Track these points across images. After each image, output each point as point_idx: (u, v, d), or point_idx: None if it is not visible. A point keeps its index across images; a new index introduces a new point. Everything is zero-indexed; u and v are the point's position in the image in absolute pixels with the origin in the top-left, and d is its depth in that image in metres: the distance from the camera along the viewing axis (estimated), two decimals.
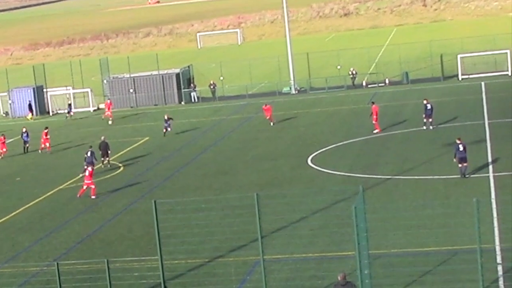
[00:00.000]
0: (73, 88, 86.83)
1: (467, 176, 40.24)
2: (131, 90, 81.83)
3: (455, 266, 27.82)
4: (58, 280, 26.64)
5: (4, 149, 59.36)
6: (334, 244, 31.85)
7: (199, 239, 33.53)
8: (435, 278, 27.26)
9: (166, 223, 30.53)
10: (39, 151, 59.83)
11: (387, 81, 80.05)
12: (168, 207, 37.49)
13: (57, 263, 27.03)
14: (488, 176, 40.24)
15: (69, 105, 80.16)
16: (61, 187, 47.96)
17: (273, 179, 44.47)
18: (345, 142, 52.96)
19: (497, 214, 32.29)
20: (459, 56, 79.08)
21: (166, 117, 62.27)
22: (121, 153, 56.68)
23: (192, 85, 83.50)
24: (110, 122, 72.27)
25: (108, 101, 76.41)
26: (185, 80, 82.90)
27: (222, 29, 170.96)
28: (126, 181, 47.64)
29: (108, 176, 49.52)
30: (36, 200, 45.06)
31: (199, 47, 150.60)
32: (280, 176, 45.17)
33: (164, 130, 61.86)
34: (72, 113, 78.84)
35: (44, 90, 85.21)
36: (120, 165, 52.67)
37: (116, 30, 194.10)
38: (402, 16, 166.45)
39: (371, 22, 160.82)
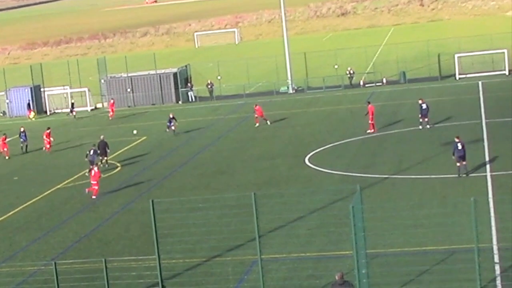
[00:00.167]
0: (71, 88, 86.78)
1: (464, 175, 40.26)
2: (129, 90, 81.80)
3: (453, 265, 27.84)
4: (55, 280, 26.62)
5: (5, 149, 59.15)
6: (331, 244, 31.86)
7: (196, 238, 33.54)
8: (432, 278, 27.28)
9: (163, 223, 30.53)
10: (46, 151, 59.47)
11: (384, 81, 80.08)
12: (165, 206, 37.47)
13: (55, 263, 27.01)
14: (486, 176, 40.28)
15: (72, 104, 79.83)
16: (58, 186, 47.95)
17: (271, 179, 44.48)
18: (342, 142, 52.98)
19: (495, 214, 32.34)
20: (456, 55, 79.10)
21: (171, 116, 61.95)
22: (119, 152, 56.67)
23: (189, 84, 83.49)
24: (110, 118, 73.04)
25: (112, 100, 76.39)
26: (182, 80, 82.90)
27: (219, 28, 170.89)
28: (123, 180, 47.63)
29: (106, 175, 49.46)
30: (34, 200, 45.04)
31: (196, 46, 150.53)
32: (278, 175, 45.18)
33: (167, 130, 61.67)
34: (75, 112, 78.69)
35: (42, 89, 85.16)
36: (118, 164, 52.66)
37: (114, 30, 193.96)
38: (400, 16, 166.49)
39: (369, 21, 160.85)
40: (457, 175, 40.37)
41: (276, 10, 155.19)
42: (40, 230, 38.61)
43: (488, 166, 42.04)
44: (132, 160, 53.83)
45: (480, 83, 72.79)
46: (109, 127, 69.68)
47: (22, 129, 61.43)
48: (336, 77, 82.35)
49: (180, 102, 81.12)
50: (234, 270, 29.91)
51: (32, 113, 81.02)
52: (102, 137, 53.12)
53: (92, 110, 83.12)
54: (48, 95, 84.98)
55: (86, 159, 49.49)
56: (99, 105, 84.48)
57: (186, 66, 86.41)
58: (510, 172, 40.27)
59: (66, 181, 49.04)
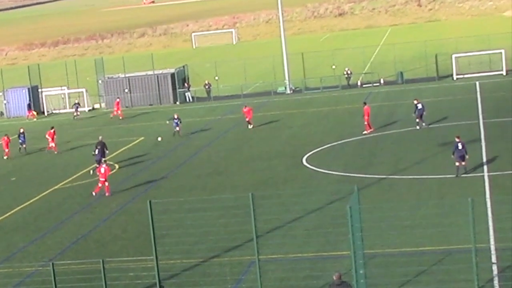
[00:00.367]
0: (68, 88, 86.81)
1: (463, 175, 40.28)
2: (126, 90, 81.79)
3: (450, 265, 27.86)
4: (53, 281, 26.61)
5: (7, 150, 58.98)
6: (329, 244, 31.89)
7: (194, 239, 33.55)
8: (430, 278, 27.30)
9: (161, 223, 30.49)
10: (54, 152, 59.33)
11: (381, 81, 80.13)
12: (163, 207, 37.46)
13: (52, 263, 27.00)
14: (483, 176, 40.31)
15: (77, 104, 79.53)
16: (56, 187, 47.93)
17: (268, 179, 44.49)
18: (340, 142, 53.00)
19: (492, 214, 32.38)
20: (453, 55, 79.15)
21: (175, 116, 61.10)
22: (117, 153, 56.65)
23: (186, 85, 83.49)
24: (111, 117, 73.33)
25: (118, 99, 76.35)
26: (180, 80, 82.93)
27: (217, 29, 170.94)
28: (121, 181, 47.61)
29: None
30: (31, 200, 45.02)
31: (194, 47, 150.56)
32: (275, 176, 45.19)
33: (175, 131, 60.78)
34: (79, 113, 78.51)
35: (39, 90, 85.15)
36: (116, 165, 52.65)
37: (111, 30, 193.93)
38: (397, 16, 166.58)
39: (366, 22, 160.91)
40: (455, 175, 40.38)
41: (273, 10, 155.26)
42: (37, 231, 38.59)
43: (485, 167, 42.06)
44: (130, 160, 53.81)
45: (477, 83, 72.83)
46: (107, 128, 69.65)
47: (21, 130, 61.34)
48: (333, 77, 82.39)
49: (177, 103, 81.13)
50: (231, 271, 29.92)
51: (35, 113, 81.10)
52: (100, 138, 53.09)
53: (89, 110, 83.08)
54: (45, 95, 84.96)
55: (94, 153, 49.81)
56: (96, 106, 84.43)
57: (183, 66, 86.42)
58: (508, 172, 40.31)
59: (64, 182, 49.02)
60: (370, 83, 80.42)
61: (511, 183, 38.07)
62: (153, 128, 66.45)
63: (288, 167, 47.04)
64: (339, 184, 40.94)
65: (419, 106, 54.83)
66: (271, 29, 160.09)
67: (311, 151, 50.85)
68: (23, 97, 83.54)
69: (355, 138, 53.73)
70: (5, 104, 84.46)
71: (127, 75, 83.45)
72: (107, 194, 43.80)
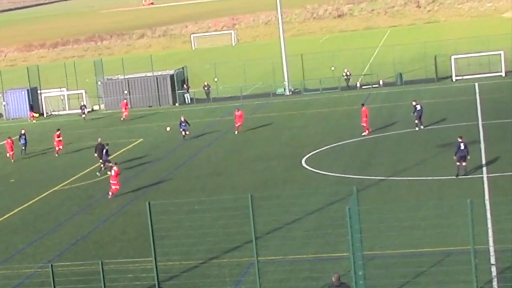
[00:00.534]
0: (67, 90, 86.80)
1: (462, 176, 40.29)
2: (125, 92, 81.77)
3: (449, 267, 27.87)
4: (52, 282, 26.62)
5: (11, 152, 58.82)
6: (328, 245, 31.88)
7: (193, 240, 33.54)
8: (429, 279, 27.30)
9: (160, 225, 30.51)
10: (55, 154, 59.21)
11: (381, 82, 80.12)
12: (162, 208, 37.43)
13: (51, 265, 27.01)
14: (482, 177, 40.32)
15: (84, 106, 79.18)
16: (55, 188, 47.93)
17: (267, 180, 44.49)
18: (339, 143, 53.00)
19: (491, 215, 32.36)
20: (453, 57, 79.17)
21: (182, 119, 60.33)
22: (116, 154, 56.61)
23: (185, 86, 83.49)
24: (123, 119, 73.41)
25: (125, 101, 76.31)
26: (179, 82, 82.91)
27: (216, 30, 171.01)
28: (120, 182, 47.52)
29: (103, 177, 49.47)
30: (30, 202, 45.01)
31: (193, 48, 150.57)
32: (274, 177, 45.19)
33: (184, 133, 59.80)
34: (85, 114, 78.31)
35: (38, 91, 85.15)
36: (115, 166, 52.51)
37: (110, 32, 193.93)
38: (396, 17, 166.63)
39: (365, 23, 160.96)
40: (455, 176, 40.38)
41: (272, 11, 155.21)
42: (36, 232, 38.59)
43: (484, 168, 42.07)
44: (129, 162, 53.78)
45: (476, 84, 72.84)
46: (106, 129, 69.64)
47: (22, 131, 61.30)
48: (332, 78, 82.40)
49: (177, 104, 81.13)
50: (230, 272, 29.92)
51: (37, 115, 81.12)
52: (99, 139, 53.09)
53: (89, 112, 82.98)
54: (45, 97, 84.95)
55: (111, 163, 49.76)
56: (95, 107, 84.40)
57: (183, 68, 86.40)
58: (507, 173, 40.33)
59: (63, 183, 49.02)
60: (369, 84, 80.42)
61: (510, 185, 38.09)
62: (153, 130, 66.47)
63: (288, 168, 47.04)
64: (338, 186, 40.95)
65: (418, 107, 54.86)
66: (270, 30, 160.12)
67: (310, 152, 50.86)
68: (22, 99, 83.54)
69: (354, 140, 53.74)
70: (4, 105, 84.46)
71: (126, 77, 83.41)
72: (110, 193, 43.77)
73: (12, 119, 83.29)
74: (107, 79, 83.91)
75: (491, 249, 29.11)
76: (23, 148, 60.55)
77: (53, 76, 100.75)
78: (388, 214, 34.33)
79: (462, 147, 40.53)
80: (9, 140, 59.07)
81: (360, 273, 24.59)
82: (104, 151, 50.05)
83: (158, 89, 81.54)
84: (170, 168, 50.39)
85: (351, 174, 43.75)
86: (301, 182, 43.45)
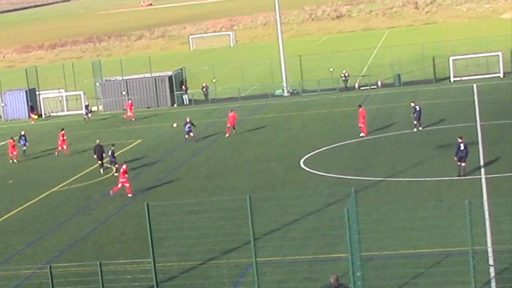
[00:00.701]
0: (66, 91, 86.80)
1: (463, 176, 40.33)
2: (124, 93, 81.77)
3: (447, 268, 27.89)
4: (51, 283, 26.64)
5: (15, 153, 58.70)
6: (326, 246, 31.90)
7: (191, 241, 33.57)
8: (427, 280, 27.33)
9: (158, 226, 30.54)
10: (56, 153, 59.24)
11: (379, 84, 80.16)
12: (160, 209, 37.49)
13: (50, 266, 27.03)
14: (480, 178, 40.36)
15: (86, 106, 79.17)
16: (53, 189, 47.93)
17: (266, 181, 44.51)
18: (337, 144, 53.03)
19: (489, 216, 32.38)
20: (451, 58, 79.22)
21: (188, 120, 59.70)
22: (114, 155, 56.53)
23: (183, 87, 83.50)
24: (132, 120, 73.46)
25: (129, 101, 76.27)
26: (177, 83, 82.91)
27: (214, 31, 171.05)
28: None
29: (102, 178, 49.51)
30: (29, 203, 45.01)
31: (191, 49, 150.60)
32: (273, 178, 45.21)
33: (186, 136, 59.37)
34: (90, 115, 78.22)
35: (37, 92, 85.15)
36: (113, 168, 52.55)
37: (109, 33, 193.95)
38: (394, 19, 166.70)
39: (363, 24, 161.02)
40: (457, 175, 40.43)
41: (271, 13, 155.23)
42: (35, 233, 38.59)
43: (483, 169, 42.12)
44: (128, 163, 53.65)
45: (474, 85, 72.90)
46: (105, 130, 69.65)
47: (22, 132, 61.33)
48: (331, 80, 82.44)
49: (175, 105, 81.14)
50: (229, 273, 29.93)
51: (37, 116, 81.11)
52: (98, 141, 53.09)
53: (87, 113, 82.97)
54: (43, 98, 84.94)
55: (115, 162, 49.98)
56: (94, 108, 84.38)
57: (181, 69, 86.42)
58: (505, 174, 40.38)
59: (61, 185, 49.02)
60: (367, 85, 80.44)
61: (508, 185, 38.14)
62: (151, 131, 66.48)
63: (286, 170, 47.06)
64: (337, 187, 40.98)
65: (417, 108, 54.92)
66: (269, 31, 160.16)
67: (308, 153, 50.88)
68: (21, 100, 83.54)
69: (352, 141, 53.76)
70: (2, 106, 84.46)
71: (124, 78, 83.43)
72: (111, 192, 43.75)
73: (11, 120, 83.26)
74: (106, 80, 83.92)
75: (490, 250, 29.12)
76: (24, 149, 60.55)
77: (51, 77, 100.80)
78: (386, 215, 34.37)
79: (462, 147, 40.59)
80: (11, 141, 59.02)
81: (358, 274, 24.62)
82: (110, 152, 50.16)
83: (156, 90, 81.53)
84: (168, 169, 50.40)
85: (349, 175, 43.77)
86: (299, 183, 43.47)
